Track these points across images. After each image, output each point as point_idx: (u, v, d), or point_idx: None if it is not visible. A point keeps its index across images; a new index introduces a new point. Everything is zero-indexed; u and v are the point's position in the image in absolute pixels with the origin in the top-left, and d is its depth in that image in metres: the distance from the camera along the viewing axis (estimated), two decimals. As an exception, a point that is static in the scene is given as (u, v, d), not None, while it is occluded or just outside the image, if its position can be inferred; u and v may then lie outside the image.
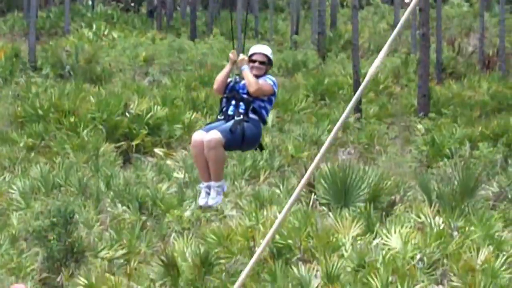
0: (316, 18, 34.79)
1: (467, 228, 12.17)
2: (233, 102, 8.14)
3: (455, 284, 10.99)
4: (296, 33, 37.22)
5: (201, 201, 8.11)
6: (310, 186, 14.03)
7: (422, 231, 12.02)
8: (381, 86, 26.11)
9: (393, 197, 14.23)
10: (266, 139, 18.62)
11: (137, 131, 19.44)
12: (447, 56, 31.23)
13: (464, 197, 13.88)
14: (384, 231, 11.93)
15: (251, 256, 10.23)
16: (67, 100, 20.63)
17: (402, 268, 10.97)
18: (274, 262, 11.38)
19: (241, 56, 8.22)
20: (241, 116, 8.02)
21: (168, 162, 17.79)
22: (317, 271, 11.26)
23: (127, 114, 19.88)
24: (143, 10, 44.86)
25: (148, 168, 16.91)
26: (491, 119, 22.05)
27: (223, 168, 8.07)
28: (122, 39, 33.49)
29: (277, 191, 14.94)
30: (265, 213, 12.88)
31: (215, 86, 8.28)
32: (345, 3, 46.87)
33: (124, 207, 14.23)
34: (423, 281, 10.95)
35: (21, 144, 18.64)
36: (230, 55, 8.30)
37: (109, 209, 14.38)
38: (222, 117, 8.13)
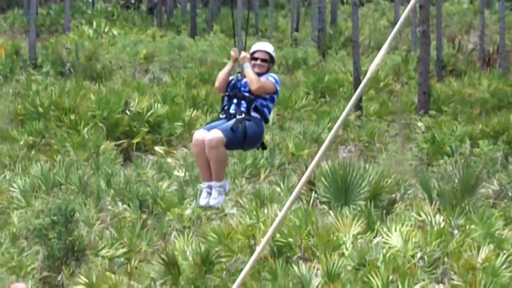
0: (316, 15, 34.76)
1: (467, 227, 12.15)
2: (235, 100, 8.09)
3: (455, 282, 10.97)
4: (296, 30, 37.17)
5: (202, 201, 8.06)
6: (311, 184, 14.01)
7: (423, 230, 12.00)
8: (381, 84, 26.06)
9: (393, 195, 14.21)
10: (267, 137, 18.59)
11: (137, 129, 19.42)
12: (447, 53, 31.21)
13: (464, 195, 13.86)
14: (385, 229, 11.90)
15: (252, 254, 10.21)
16: (67, 98, 20.58)
17: (402, 267, 10.95)
18: (275, 260, 11.36)
19: (243, 53, 8.16)
20: (243, 115, 7.97)
21: (169, 160, 17.78)
22: (317, 269, 11.24)
23: (127, 111, 19.86)
24: (143, 7, 44.86)
25: (148, 166, 16.90)
26: (491, 117, 22.04)
27: (224, 167, 8.01)
28: (122, 36, 33.41)
29: (278, 189, 14.92)
30: (265, 211, 12.86)
31: (216, 84, 8.23)
32: (345, 0, 46.84)
33: (125, 206, 14.21)
34: (423, 280, 10.93)
35: (22, 142, 18.62)
36: (232, 52, 8.25)
37: (109, 207, 14.35)
38: (224, 115, 8.08)
